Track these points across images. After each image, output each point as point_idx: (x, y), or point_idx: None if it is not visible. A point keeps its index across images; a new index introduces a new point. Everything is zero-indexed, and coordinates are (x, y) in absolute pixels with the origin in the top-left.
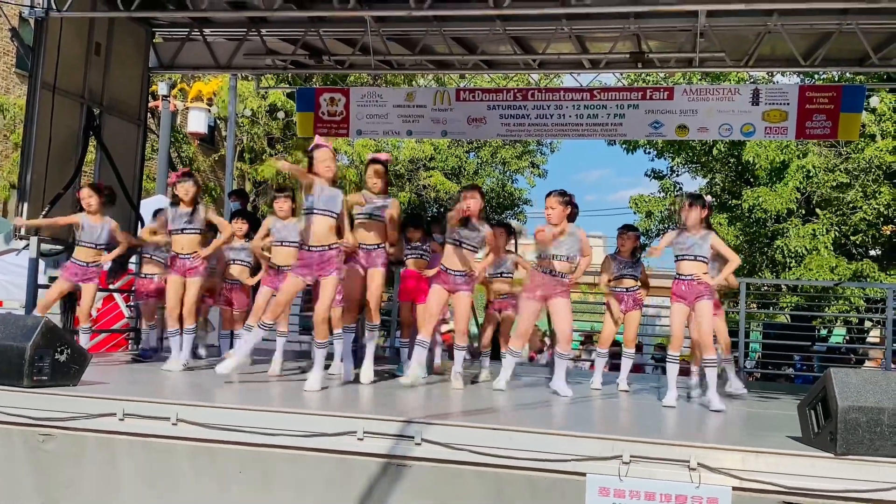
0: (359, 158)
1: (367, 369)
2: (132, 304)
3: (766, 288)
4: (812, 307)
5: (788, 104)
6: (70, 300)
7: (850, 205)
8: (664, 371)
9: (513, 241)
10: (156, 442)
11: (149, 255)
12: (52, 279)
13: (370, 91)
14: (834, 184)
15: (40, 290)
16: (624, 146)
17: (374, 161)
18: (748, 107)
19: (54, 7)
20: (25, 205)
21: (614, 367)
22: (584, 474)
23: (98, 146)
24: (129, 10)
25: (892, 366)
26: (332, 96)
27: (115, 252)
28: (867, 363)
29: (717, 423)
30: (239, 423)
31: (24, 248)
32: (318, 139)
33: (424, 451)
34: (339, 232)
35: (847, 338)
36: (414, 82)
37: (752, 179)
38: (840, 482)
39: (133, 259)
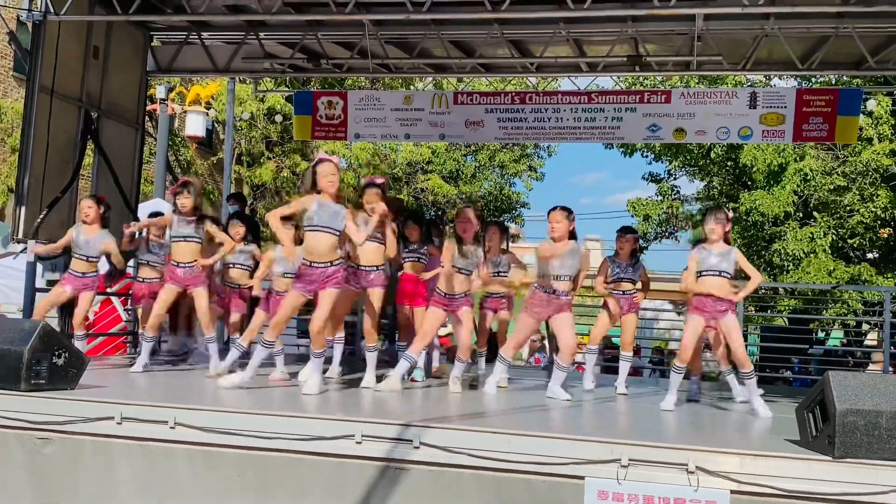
0: (356, 161)
1: (370, 376)
2: (129, 307)
3: (763, 291)
4: (810, 310)
5: (786, 107)
6: (68, 304)
7: (848, 208)
8: (662, 374)
9: (506, 240)
10: (154, 446)
11: (145, 261)
12: (51, 283)
13: (368, 94)
14: (831, 187)
15: (38, 294)
16: (621, 149)
17: (371, 185)
18: (745, 110)
19: (52, 10)
20: (23, 209)
21: (612, 370)
22: (582, 478)
23: (96, 150)
24: (127, 14)
25: (890, 369)
26: (330, 100)
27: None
28: (871, 367)
29: (715, 427)
30: (237, 426)
31: (21, 252)
32: (321, 154)
33: (423, 455)
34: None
35: (844, 341)
36: (412, 86)
37: (749, 183)
38: (838, 485)
39: (131, 263)
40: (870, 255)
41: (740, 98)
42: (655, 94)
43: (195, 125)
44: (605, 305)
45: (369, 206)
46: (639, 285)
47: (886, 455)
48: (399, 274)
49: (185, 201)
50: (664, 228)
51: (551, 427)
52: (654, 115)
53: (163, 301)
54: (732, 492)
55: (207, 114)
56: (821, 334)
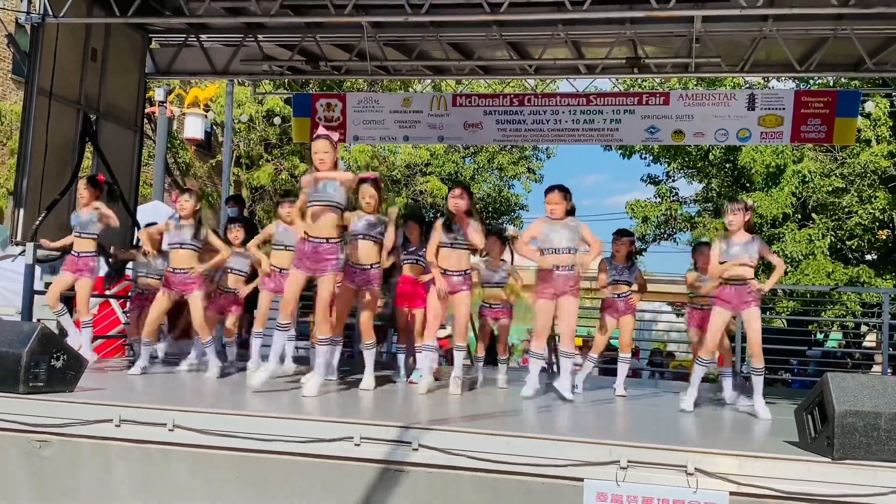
0: (355, 164)
1: (368, 378)
2: (128, 310)
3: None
4: (808, 312)
5: (784, 109)
6: (68, 304)
7: (846, 209)
8: (661, 376)
9: (508, 251)
10: (152, 448)
11: (144, 273)
12: (48, 286)
13: (367, 97)
14: (829, 188)
15: (37, 297)
16: (620, 151)
17: (364, 181)
18: (744, 111)
19: (51, 13)
20: (21, 211)
21: (611, 371)
22: (581, 479)
23: (94, 152)
24: (125, 16)
25: (889, 370)
26: (329, 102)
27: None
28: (874, 368)
29: (714, 428)
30: (236, 428)
31: (20, 255)
32: (319, 129)
33: (422, 457)
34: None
35: (843, 342)
36: (411, 88)
37: (748, 184)
38: (837, 487)
39: (129, 265)
40: (868, 257)
41: (739, 100)
42: (654, 95)
43: (194, 127)
44: (601, 318)
45: (365, 201)
46: (635, 287)
47: (885, 456)
48: (398, 276)
49: (186, 203)
50: (663, 230)
51: (550, 429)
52: (652, 116)
53: (158, 307)
54: (731, 493)
55: (206, 116)
56: (819, 336)
